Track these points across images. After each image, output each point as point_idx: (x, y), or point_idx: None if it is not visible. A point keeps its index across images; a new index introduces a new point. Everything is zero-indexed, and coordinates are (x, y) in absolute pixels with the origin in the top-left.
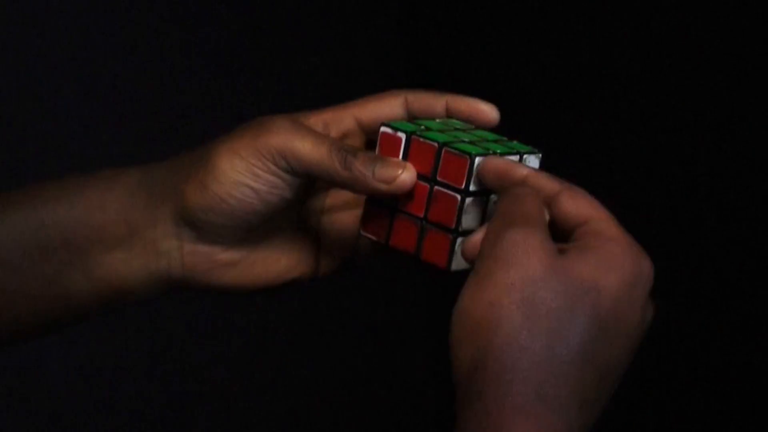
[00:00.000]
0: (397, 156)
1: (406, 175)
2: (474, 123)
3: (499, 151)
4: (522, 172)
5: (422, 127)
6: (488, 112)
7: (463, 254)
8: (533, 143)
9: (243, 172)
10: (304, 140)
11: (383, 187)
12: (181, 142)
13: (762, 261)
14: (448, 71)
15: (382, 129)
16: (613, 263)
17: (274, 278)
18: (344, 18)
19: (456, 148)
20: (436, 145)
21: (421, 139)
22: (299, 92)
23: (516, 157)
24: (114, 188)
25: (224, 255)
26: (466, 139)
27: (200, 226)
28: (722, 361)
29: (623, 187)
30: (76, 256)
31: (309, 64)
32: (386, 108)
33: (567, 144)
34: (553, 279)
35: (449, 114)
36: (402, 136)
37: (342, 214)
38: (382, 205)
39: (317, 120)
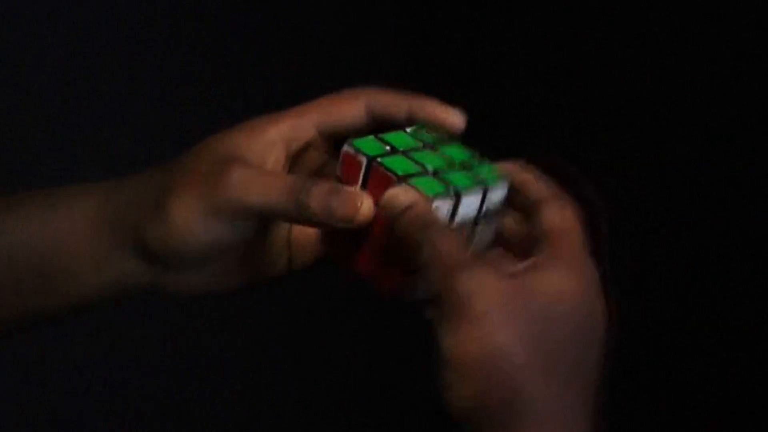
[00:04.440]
0: (357, 179)
1: (364, 209)
2: (439, 131)
3: (460, 185)
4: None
5: (387, 147)
6: (452, 120)
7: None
8: (532, 142)
9: (196, 218)
10: (258, 190)
11: (342, 225)
12: (179, 142)
13: (759, 261)
14: (448, 71)
15: (345, 149)
16: (576, 272)
17: (245, 281)
18: (344, 18)
19: (414, 184)
20: (394, 177)
21: (381, 168)
22: (299, 92)
23: (477, 196)
24: (81, 215)
25: (194, 277)
26: (430, 168)
27: (162, 259)
28: (720, 361)
29: (622, 185)
30: (47, 282)
31: (308, 64)
32: (347, 115)
33: (566, 143)
34: (520, 299)
35: (411, 121)
36: (363, 160)
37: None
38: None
39: (277, 132)
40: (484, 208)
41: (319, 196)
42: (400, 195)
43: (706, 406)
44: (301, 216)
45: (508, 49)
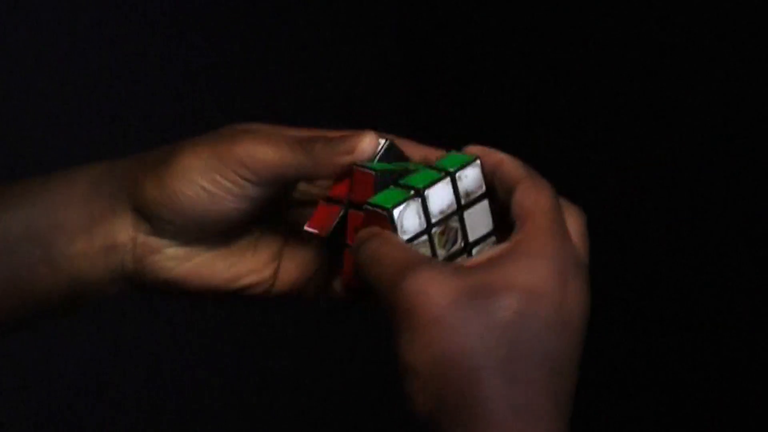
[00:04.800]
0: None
1: (366, 140)
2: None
3: (420, 183)
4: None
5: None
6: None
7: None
8: (532, 142)
9: (201, 173)
10: (267, 147)
11: (347, 159)
12: (173, 131)
13: (757, 261)
14: (448, 71)
15: (358, 168)
16: (548, 262)
17: (226, 282)
18: (343, 18)
19: (376, 202)
20: (372, 173)
21: (361, 169)
22: (298, 92)
23: (446, 184)
24: (77, 181)
25: (173, 250)
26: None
27: (153, 219)
28: (717, 362)
29: (621, 184)
30: (40, 249)
31: (308, 65)
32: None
33: (565, 143)
34: (473, 297)
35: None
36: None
37: (305, 243)
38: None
39: (292, 129)
40: (461, 192)
41: (324, 142)
42: (360, 236)
43: (702, 406)
44: (308, 162)
45: (508, 49)
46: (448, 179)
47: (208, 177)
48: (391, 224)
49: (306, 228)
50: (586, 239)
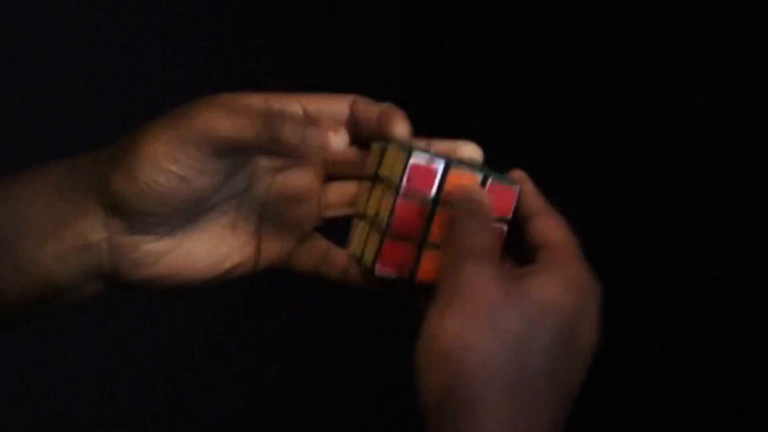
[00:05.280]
0: (431, 185)
1: (338, 140)
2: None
3: (497, 175)
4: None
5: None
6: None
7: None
8: (532, 142)
9: (167, 158)
10: (227, 120)
11: (315, 150)
12: None
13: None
14: (448, 71)
15: (414, 160)
16: (570, 285)
17: (210, 268)
18: (344, 17)
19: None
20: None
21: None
22: (298, 91)
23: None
24: (42, 182)
25: (152, 245)
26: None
27: (128, 215)
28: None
29: (621, 183)
30: (6, 254)
31: (308, 64)
32: (333, 104)
33: (565, 143)
34: (514, 304)
35: (382, 126)
36: (438, 166)
37: (286, 202)
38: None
39: (259, 98)
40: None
41: (293, 123)
42: (475, 191)
43: (702, 406)
44: (274, 143)
45: (509, 48)
46: (479, 176)
47: (174, 159)
48: (404, 166)
49: (380, 270)
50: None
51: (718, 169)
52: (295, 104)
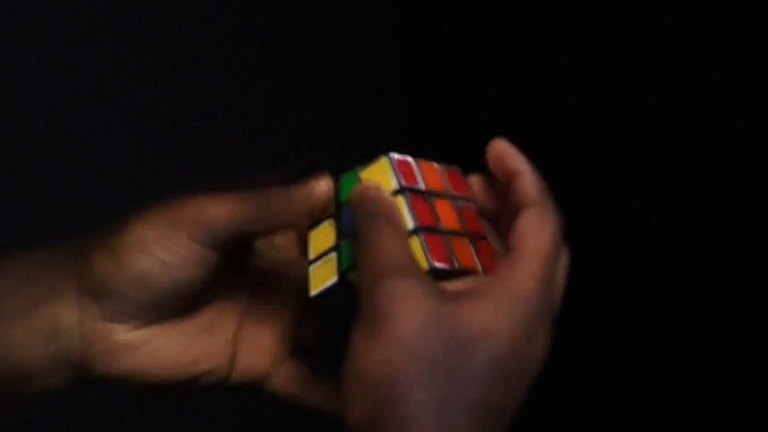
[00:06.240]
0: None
1: (321, 185)
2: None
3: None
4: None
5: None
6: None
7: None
8: (532, 142)
9: (154, 242)
10: (218, 204)
11: (304, 206)
12: (178, 143)
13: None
14: (449, 74)
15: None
16: (512, 308)
17: (181, 369)
18: (345, 20)
19: None
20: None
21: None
22: (299, 92)
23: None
24: (19, 260)
25: (126, 335)
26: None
27: (103, 297)
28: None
29: (622, 186)
30: None
31: (308, 64)
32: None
33: (564, 143)
34: (441, 328)
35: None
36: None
37: (262, 326)
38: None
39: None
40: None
41: (277, 190)
42: (369, 187)
43: (701, 407)
44: (265, 216)
45: (509, 52)
46: (434, 164)
47: (160, 245)
48: (390, 168)
49: (313, 293)
50: (564, 284)
51: (718, 169)
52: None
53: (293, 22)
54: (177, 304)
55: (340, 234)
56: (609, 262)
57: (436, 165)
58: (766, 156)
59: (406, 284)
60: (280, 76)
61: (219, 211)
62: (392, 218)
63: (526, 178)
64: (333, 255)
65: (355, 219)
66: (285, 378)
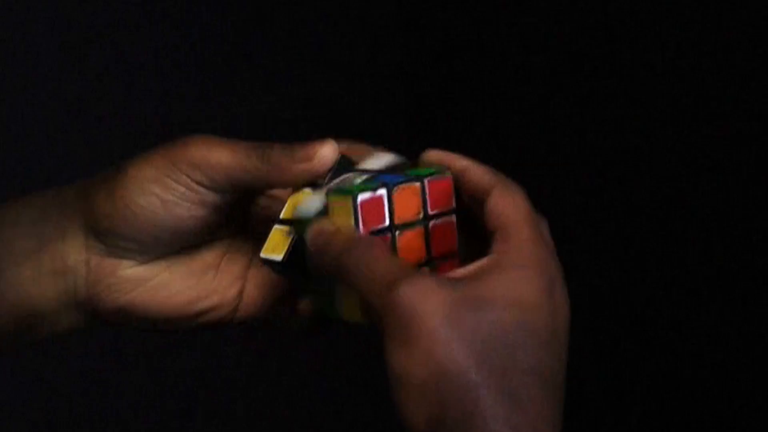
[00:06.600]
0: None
1: (326, 148)
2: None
3: (389, 179)
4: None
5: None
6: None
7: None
8: (532, 142)
9: (152, 179)
10: (221, 149)
11: (306, 166)
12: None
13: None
14: (447, 72)
15: (362, 198)
16: (527, 272)
17: (185, 305)
18: (343, 18)
19: (338, 192)
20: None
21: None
22: (298, 92)
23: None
24: (26, 205)
25: (131, 271)
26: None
27: (106, 236)
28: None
29: (621, 187)
30: None
31: (308, 65)
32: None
33: (564, 142)
34: (468, 307)
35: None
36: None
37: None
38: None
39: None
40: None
41: (280, 147)
42: (323, 226)
43: (700, 407)
44: (265, 168)
45: (507, 50)
46: (417, 184)
47: (160, 183)
48: (353, 211)
49: (262, 255)
50: (553, 248)
51: (718, 169)
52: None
53: (293, 22)
54: (180, 241)
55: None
56: (609, 262)
57: (417, 185)
58: (766, 156)
59: (417, 286)
60: (279, 76)
61: (220, 157)
62: (364, 240)
63: (473, 168)
64: (290, 229)
65: (326, 260)
66: (289, 312)
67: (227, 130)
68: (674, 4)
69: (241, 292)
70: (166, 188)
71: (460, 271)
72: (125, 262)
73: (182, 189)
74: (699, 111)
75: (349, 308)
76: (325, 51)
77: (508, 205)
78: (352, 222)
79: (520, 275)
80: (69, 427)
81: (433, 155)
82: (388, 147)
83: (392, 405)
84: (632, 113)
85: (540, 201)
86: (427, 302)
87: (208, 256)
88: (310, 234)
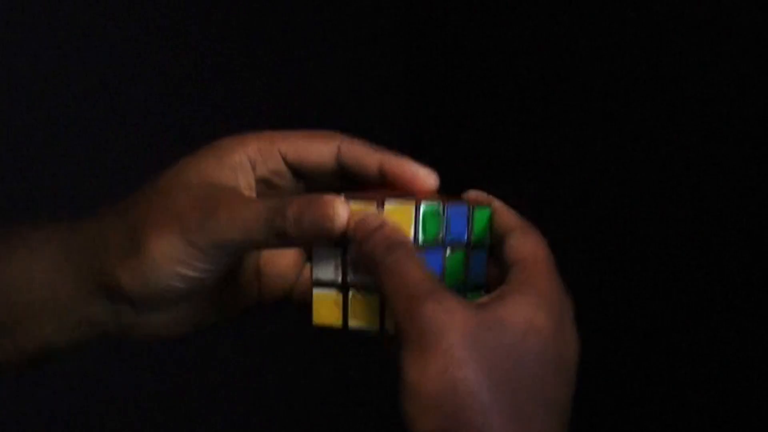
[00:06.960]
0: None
1: (339, 215)
2: (409, 189)
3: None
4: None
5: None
6: (425, 178)
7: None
8: (532, 142)
9: (175, 261)
10: (238, 227)
11: (323, 236)
12: (179, 142)
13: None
14: (449, 75)
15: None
16: (542, 302)
17: (219, 316)
18: (344, 17)
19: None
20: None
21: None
22: (299, 92)
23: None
24: (39, 260)
25: (164, 317)
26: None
27: (134, 304)
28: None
29: (623, 191)
30: (2, 332)
31: (309, 66)
32: (317, 152)
33: (563, 141)
34: (489, 331)
35: (382, 173)
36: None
37: (267, 275)
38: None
39: (244, 154)
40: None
41: (292, 215)
42: (369, 216)
43: (700, 408)
44: (280, 244)
45: (509, 53)
46: (466, 209)
47: (184, 264)
48: (414, 221)
49: (315, 323)
50: (564, 287)
51: (717, 170)
52: (276, 155)
53: (293, 22)
54: (204, 292)
55: (345, 269)
56: (609, 263)
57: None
58: (766, 156)
59: (445, 304)
60: (280, 77)
61: (232, 233)
62: (410, 246)
63: (503, 209)
64: (336, 294)
65: (367, 250)
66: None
67: (227, 130)
68: (674, 4)
69: (260, 279)
70: (187, 265)
71: (482, 299)
72: (153, 313)
73: (200, 263)
74: (699, 111)
75: (357, 313)
76: (326, 51)
77: (528, 242)
78: (411, 227)
79: (538, 303)
80: (69, 427)
81: (472, 195)
82: (388, 147)
83: (397, 412)
84: (633, 118)
85: (540, 201)
86: (449, 319)
87: (207, 292)
88: (357, 219)
